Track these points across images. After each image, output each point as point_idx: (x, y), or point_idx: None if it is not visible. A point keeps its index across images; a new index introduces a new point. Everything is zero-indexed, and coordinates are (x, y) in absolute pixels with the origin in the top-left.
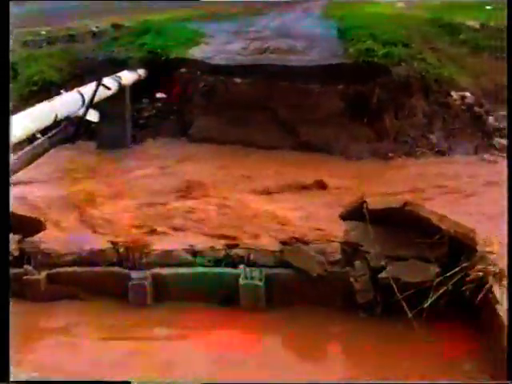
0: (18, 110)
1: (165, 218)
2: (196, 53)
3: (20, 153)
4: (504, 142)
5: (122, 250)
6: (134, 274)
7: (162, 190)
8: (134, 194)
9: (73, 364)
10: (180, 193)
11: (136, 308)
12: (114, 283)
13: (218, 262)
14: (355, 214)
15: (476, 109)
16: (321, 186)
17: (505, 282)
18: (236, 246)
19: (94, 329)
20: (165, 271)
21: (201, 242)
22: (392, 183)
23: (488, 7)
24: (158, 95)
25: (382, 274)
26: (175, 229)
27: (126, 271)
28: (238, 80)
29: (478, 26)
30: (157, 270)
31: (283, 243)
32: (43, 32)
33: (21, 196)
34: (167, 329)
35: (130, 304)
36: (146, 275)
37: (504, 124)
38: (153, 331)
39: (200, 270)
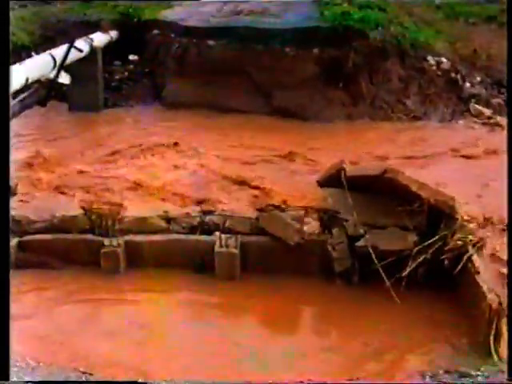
0: None
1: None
2: (169, 15)
3: None
4: (479, 107)
5: (94, 216)
6: (107, 241)
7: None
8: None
9: (38, 330)
10: (143, 154)
11: (108, 275)
12: (86, 251)
13: (192, 229)
14: (333, 180)
15: (452, 74)
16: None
17: (484, 252)
18: (211, 212)
19: (61, 295)
20: (138, 238)
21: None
22: (358, 149)
23: None
24: (131, 57)
25: (360, 242)
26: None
27: (99, 238)
28: (211, 42)
29: None
30: (130, 237)
31: (259, 210)
32: None
33: None
34: (138, 294)
35: (103, 272)
36: (119, 242)
37: (479, 90)
38: (123, 297)
39: (174, 236)
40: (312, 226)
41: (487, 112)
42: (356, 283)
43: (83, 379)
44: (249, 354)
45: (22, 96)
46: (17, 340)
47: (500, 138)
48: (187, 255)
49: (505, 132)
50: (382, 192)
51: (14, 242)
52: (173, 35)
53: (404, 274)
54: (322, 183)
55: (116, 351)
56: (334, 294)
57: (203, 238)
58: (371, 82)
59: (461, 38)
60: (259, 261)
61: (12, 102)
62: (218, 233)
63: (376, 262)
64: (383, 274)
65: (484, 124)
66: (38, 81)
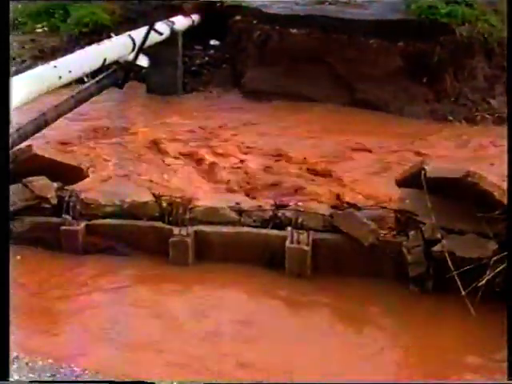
0: (66, 51)
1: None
2: (253, 1)
3: (65, 97)
4: None
5: (165, 204)
6: (176, 230)
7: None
8: None
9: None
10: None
11: (176, 265)
12: (155, 239)
13: (264, 223)
14: (412, 181)
15: None
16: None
17: None
18: (285, 206)
19: (128, 283)
20: (208, 229)
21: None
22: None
23: None
24: (212, 42)
25: (437, 247)
26: None
27: (168, 227)
28: (294, 31)
29: None
30: (200, 228)
31: (334, 207)
32: None
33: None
34: (205, 287)
35: (170, 261)
36: (189, 232)
37: None
38: (191, 289)
39: (245, 229)
40: (388, 227)
41: None
42: (429, 290)
43: None
44: (318, 354)
45: (99, 77)
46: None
47: None
48: (257, 249)
49: None
50: (461, 196)
51: (82, 225)
52: (255, 22)
53: (481, 284)
54: (401, 183)
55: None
56: (405, 300)
57: (274, 232)
58: (456, 79)
59: None
60: (331, 259)
61: (88, 83)
62: (289, 228)
63: (452, 268)
64: (459, 283)
65: None
66: (116, 62)
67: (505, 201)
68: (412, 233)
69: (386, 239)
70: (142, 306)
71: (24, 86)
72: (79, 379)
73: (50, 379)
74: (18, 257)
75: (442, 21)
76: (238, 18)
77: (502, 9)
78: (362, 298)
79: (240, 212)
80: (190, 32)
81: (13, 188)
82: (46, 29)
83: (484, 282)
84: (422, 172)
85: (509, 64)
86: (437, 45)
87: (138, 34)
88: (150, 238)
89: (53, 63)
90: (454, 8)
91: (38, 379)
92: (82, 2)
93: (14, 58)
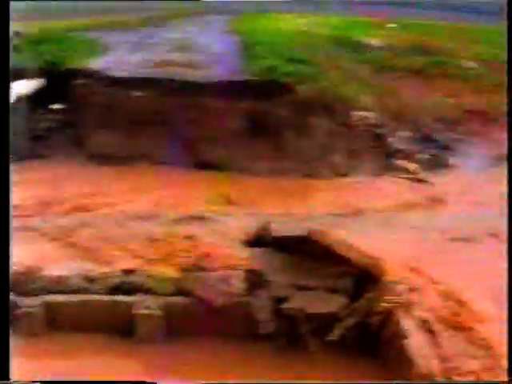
0: None
1: None
2: (95, 64)
3: None
4: (403, 162)
5: None
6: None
7: None
8: None
9: None
10: None
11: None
12: None
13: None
14: (259, 240)
15: (377, 129)
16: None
17: (414, 313)
18: (131, 271)
19: None
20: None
21: None
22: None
23: (391, 25)
24: (55, 107)
25: (286, 305)
26: None
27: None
28: (137, 93)
29: (381, 44)
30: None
31: (184, 270)
32: None
33: None
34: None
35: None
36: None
37: (406, 145)
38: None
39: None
40: (238, 287)
41: (412, 167)
42: (283, 347)
43: None
44: None
45: None
46: None
47: (418, 193)
48: (105, 317)
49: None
50: (308, 253)
51: None
52: (97, 84)
53: (329, 338)
54: (249, 243)
55: None
56: (258, 358)
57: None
58: (297, 137)
59: (388, 91)
60: (183, 322)
61: None
62: (139, 294)
63: (302, 325)
64: (308, 339)
65: (408, 179)
66: None
67: (350, 255)
68: (261, 291)
69: (235, 300)
70: None
71: None
72: None
73: None
74: None
75: (281, 80)
76: (79, 81)
77: (344, 65)
78: (213, 358)
79: (91, 280)
80: (33, 96)
81: None
82: None
83: (334, 336)
84: (267, 232)
85: (509, 69)
86: (277, 104)
87: None
88: None
89: None
90: (294, 68)
91: None
92: None
93: None
